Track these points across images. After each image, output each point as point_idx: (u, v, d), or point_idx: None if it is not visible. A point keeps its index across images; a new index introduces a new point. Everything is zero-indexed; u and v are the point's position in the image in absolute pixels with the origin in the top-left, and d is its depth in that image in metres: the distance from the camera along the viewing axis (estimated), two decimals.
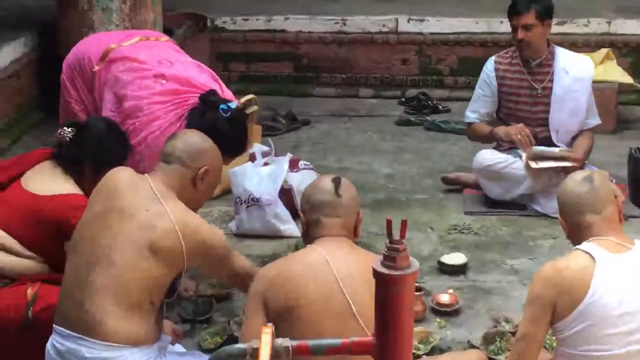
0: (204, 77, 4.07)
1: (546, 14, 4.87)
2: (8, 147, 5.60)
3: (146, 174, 3.25)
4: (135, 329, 3.01)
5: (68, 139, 3.47)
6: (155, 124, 3.84)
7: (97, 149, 3.47)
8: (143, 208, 3.10)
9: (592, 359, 2.89)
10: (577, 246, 2.99)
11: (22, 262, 3.39)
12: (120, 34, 4.44)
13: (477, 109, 5.10)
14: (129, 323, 3.01)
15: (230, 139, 3.78)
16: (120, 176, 3.22)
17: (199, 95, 3.90)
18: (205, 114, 3.81)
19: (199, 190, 3.25)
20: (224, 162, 3.77)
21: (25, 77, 5.92)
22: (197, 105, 3.89)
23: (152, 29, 5.56)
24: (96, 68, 4.00)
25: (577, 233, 3.01)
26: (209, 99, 3.87)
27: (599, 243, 2.93)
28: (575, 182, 3.05)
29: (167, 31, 5.78)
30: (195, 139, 3.35)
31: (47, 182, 3.42)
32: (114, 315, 2.99)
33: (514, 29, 4.87)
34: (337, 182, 3.04)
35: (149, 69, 3.97)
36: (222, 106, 3.82)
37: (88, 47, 4.20)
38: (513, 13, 4.86)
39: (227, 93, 4.09)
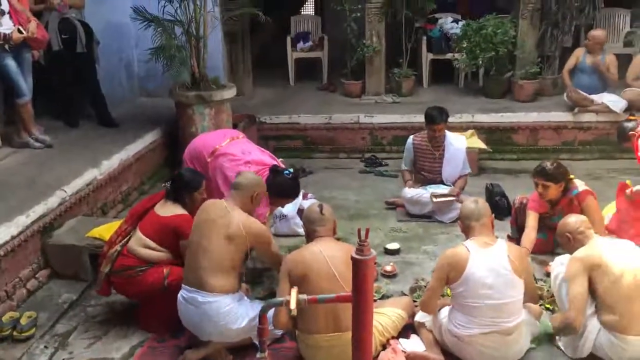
0: (267, 157, 4.15)
1: (446, 120, 5.03)
2: (148, 189, 5.67)
3: (223, 199, 3.31)
4: (225, 284, 3.12)
5: (168, 187, 3.64)
6: None
7: (184, 187, 3.55)
8: (220, 216, 3.18)
9: (468, 306, 3.00)
10: (463, 242, 3.09)
11: (159, 254, 3.49)
12: (218, 136, 4.34)
13: (406, 163, 5.23)
14: (221, 281, 3.11)
15: (292, 190, 3.97)
16: (208, 203, 3.34)
17: (269, 168, 3.97)
18: (276, 177, 3.89)
19: (254, 204, 3.35)
20: (286, 203, 4.16)
21: (158, 150, 6.02)
22: (269, 174, 3.92)
23: (227, 125, 5.85)
24: (209, 160, 4.05)
25: (466, 232, 3.13)
26: (276, 169, 3.94)
27: (474, 241, 3.03)
28: (469, 202, 3.17)
29: (234, 125, 6.08)
30: (250, 177, 3.39)
31: (167, 209, 3.52)
32: (212, 277, 3.10)
33: (432, 130, 4.96)
34: (320, 207, 3.18)
35: (240, 159, 4.00)
36: (285, 172, 3.92)
37: (200, 146, 4.19)
38: (432, 122, 4.94)
39: (279, 162, 4.18)
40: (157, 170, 6.02)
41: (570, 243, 3.24)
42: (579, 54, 6.56)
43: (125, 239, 3.55)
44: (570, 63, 6.58)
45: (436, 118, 4.96)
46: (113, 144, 5.47)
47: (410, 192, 5.08)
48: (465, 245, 3.01)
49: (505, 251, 2.98)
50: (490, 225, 3.07)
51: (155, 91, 6.86)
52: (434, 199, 4.92)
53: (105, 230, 4.05)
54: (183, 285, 3.19)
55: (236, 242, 3.11)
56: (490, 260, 2.95)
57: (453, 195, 4.92)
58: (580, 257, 3.09)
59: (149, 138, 5.87)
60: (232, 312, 3.13)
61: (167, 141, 6.10)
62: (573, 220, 3.31)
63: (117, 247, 3.53)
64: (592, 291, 3.03)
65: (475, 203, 3.11)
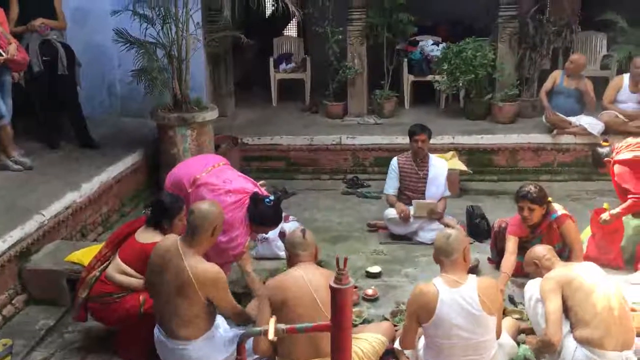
0: (249, 185, 4.06)
1: (429, 137, 5.12)
2: (129, 211, 5.63)
3: (178, 238, 3.13)
4: (192, 331, 3.04)
5: (148, 214, 3.64)
6: (236, 223, 3.80)
7: (164, 213, 3.50)
8: (169, 267, 3.03)
9: (439, 345, 2.95)
10: (432, 279, 2.98)
11: (136, 281, 3.43)
12: (199, 164, 4.21)
13: (391, 185, 5.20)
14: (188, 330, 3.04)
15: (273, 218, 3.94)
16: (160, 247, 3.17)
17: (249, 196, 3.90)
18: (257, 206, 3.84)
19: (214, 236, 3.19)
20: (268, 231, 4.11)
21: (139, 172, 5.97)
22: (250, 202, 3.86)
23: (209, 146, 5.86)
24: (189, 190, 3.95)
25: (439, 264, 3.05)
26: (256, 198, 3.87)
27: (443, 279, 2.94)
28: (441, 236, 3.03)
29: (217, 147, 6.13)
30: (204, 212, 3.14)
31: (147, 236, 3.46)
32: (177, 327, 3.03)
33: (415, 142, 5.03)
34: (303, 231, 3.16)
35: (221, 188, 3.90)
36: (266, 200, 3.86)
37: (181, 175, 4.09)
38: (414, 134, 5.05)
39: (261, 190, 4.08)
40: (139, 192, 5.99)
41: (538, 269, 3.34)
42: (556, 76, 6.65)
43: (105, 265, 3.52)
44: (547, 85, 6.67)
45: (417, 129, 5.08)
46: (93, 165, 5.44)
47: (391, 213, 5.10)
48: (435, 284, 2.94)
49: (476, 290, 2.91)
50: (462, 261, 2.97)
51: (138, 112, 6.79)
52: (417, 209, 4.98)
53: (84, 254, 4.01)
54: (157, 324, 3.17)
55: (188, 294, 3.00)
56: (460, 300, 2.89)
57: (434, 203, 4.99)
58: (553, 276, 3.17)
59: (130, 160, 5.84)
60: (206, 355, 3.09)
61: (149, 163, 6.08)
62: (539, 248, 3.47)
63: (96, 273, 3.49)
64: (567, 308, 3.06)
65: (446, 238, 2.98)
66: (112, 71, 7.04)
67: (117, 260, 3.46)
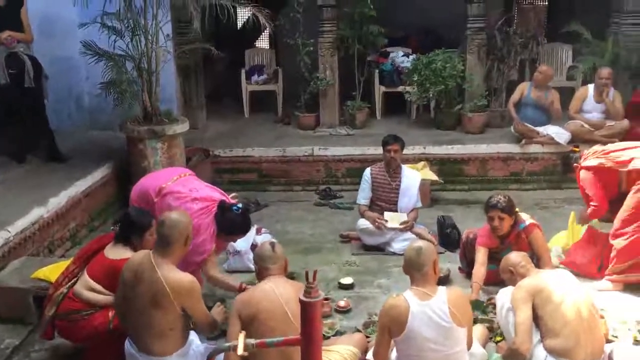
0: (217, 194, 4.06)
1: (402, 147, 5.15)
2: (99, 226, 5.58)
3: (150, 251, 3.07)
4: (166, 347, 3.00)
5: (117, 230, 3.58)
6: (202, 229, 3.78)
7: (132, 229, 3.45)
8: (142, 279, 2.99)
9: (409, 357, 2.97)
10: (402, 292, 2.98)
11: (105, 298, 3.38)
12: (164, 175, 4.22)
13: (363, 196, 5.21)
14: (161, 345, 3.00)
15: (241, 226, 3.95)
16: (132, 261, 3.13)
17: (217, 204, 3.91)
18: (224, 214, 3.85)
19: (187, 246, 3.15)
20: (236, 239, 4.13)
21: (108, 186, 5.92)
22: (217, 210, 3.87)
23: (180, 159, 5.83)
24: (155, 200, 3.93)
25: (410, 277, 3.02)
26: (224, 206, 3.89)
27: (414, 292, 2.93)
28: (410, 249, 3.02)
29: (188, 159, 6.10)
30: (174, 222, 3.10)
31: (117, 252, 3.41)
32: (150, 342, 2.98)
33: (388, 151, 5.04)
34: (272, 245, 3.16)
35: (187, 196, 3.90)
36: (234, 208, 3.87)
37: (147, 186, 4.08)
38: (387, 144, 5.07)
39: (228, 199, 4.09)
40: (108, 206, 5.94)
41: (513, 276, 3.36)
42: (523, 88, 6.77)
43: (73, 281, 3.46)
44: (515, 97, 6.77)
45: (390, 140, 5.12)
46: (61, 179, 5.37)
47: (364, 223, 5.11)
48: (405, 298, 2.94)
49: (446, 302, 2.91)
50: (432, 273, 2.97)
51: (107, 125, 6.74)
52: (390, 220, 5.02)
53: (51, 271, 3.94)
54: (128, 338, 3.12)
55: (163, 305, 2.96)
56: (431, 313, 2.90)
57: (407, 222, 5.01)
58: (524, 285, 3.20)
59: (99, 173, 5.80)
60: None
61: (119, 176, 6.02)
62: (514, 255, 3.50)
63: (64, 290, 3.44)
64: (537, 317, 3.09)
65: (416, 251, 2.98)
66: (80, 84, 6.97)
67: (86, 277, 3.41)
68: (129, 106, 5.71)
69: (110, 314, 3.33)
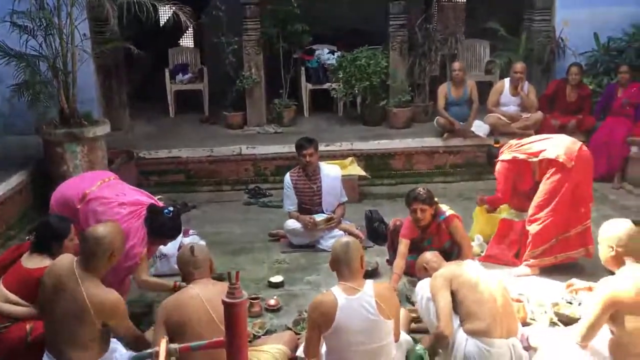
0: (144, 197, 4.00)
1: (316, 148, 5.14)
2: (16, 234, 5.40)
3: (75, 260, 3.02)
4: (85, 357, 2.92)
5: (32, 240, 3.48)
6: (131, 233, 3.70)
7: (51, 237, 3.37)
8: (64, 289, 2.93)
9: (340, 353, 2.98)
10: (330, 288, 3.01)
11: (22, 309, 3.29)
12: (87, 180, 4.08)
13: (289, 203, 5.20)
14: (80, 355, 2.92)
15: (173, 229, 3.91)
16: (55, 267, 3.05)
17: (146, 207, 3.84)
18: (155, 217, 3.80)
19: (111, 261, 3.09)
20: (167, 242, 4.10)
21: (25, 193, 5.75)
22: (147, 214, 3.81)
23: (102, 162, 5.73)
24: (79, 206, 3.80)
25: (337, 273, 3.04)
26: (154, 209, 3.85)
27: (341, 287, 2.96)
28: (337, 245, 3.05)
29: (110, 161, 5.97)
30: (100, 235, 3.05)
31: (34, 261, 3.32)
32: (69, 351, 2.91)
33: (303, 156, 5.07)
34: (191, 249, 3.09)
35: (113, 201, 3.81)
36: (164, 211, 3.84)
37: (68, 192, 3.95)
38: (301, 149, 5.08)
39: (156, 201, 4.03)
40: (26, 213, 5.75)
41: (427, 273, 3.53)
42: (444, 91, 6.87)
43: None
44: (440, 103, 6.85)
45: (304, 144, 5.11)
46: None
47: (291, 223, 5.13)
48: (333, 293, 2.97)
49: (372, 296, 2.94)
50: (359, 268, 3.00)
51: (23, 129, 6.47)
52: (319, 226, 5.06)
53: None
54: (46, 351, 3.02)
55: (84, 319, 2.90)
56: (358, 307, 2.93)
57: (334, 221, 5.09)
58: (441, 273, 3.34)
59: (15, 180, 5.61)
60: None
61: (36, 182, 5.84)
62: (428, 254, 3.76)
63: None
64: (456, 303, 3.20)
65: (343, 247, 3.00)
66: None
67: (1, 288, 3.30)
68: (44, 109, 5.61)
69: (28, 326, 3.23)
